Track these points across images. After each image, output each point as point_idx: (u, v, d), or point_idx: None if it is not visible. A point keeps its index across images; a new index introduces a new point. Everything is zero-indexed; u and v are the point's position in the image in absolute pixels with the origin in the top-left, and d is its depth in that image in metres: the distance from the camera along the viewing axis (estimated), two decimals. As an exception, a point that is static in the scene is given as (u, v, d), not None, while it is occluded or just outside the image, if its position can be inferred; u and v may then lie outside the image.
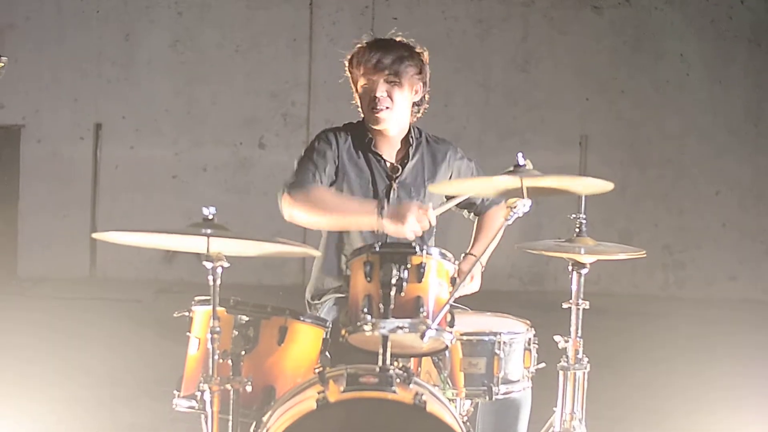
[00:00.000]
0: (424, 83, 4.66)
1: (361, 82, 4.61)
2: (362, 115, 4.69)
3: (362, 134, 4.67)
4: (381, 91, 4.53)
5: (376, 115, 4.55)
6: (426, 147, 4.75)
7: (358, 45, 4.72)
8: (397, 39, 4.69)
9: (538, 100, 11.43)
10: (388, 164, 4.65)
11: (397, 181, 4.63)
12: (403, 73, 4.56)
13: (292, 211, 4.44)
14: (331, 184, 4.58)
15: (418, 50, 4.66)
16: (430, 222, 4.16)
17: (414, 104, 4.66)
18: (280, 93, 11.25)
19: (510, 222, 3.69)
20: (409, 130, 4.70)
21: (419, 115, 4.71)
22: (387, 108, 4.55)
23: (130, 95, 11.18)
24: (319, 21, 11.32)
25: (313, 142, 4.69)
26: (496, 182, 3.82)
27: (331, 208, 4.40)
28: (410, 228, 4.20)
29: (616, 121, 11.43)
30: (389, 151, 4.69)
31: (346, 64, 4.76)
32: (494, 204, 4.84)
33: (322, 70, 11.29)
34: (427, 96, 4.69)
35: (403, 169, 4.65)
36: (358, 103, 4.70)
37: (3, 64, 4.69)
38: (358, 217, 4.32)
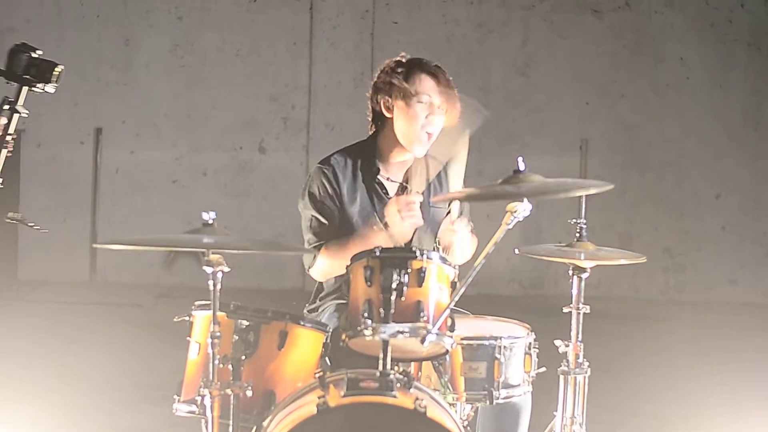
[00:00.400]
0: None
1: (423, 97, 4.51)
2: (371, 131, 4.64)
3: (370, 160, 4.63)
4: (439, 116, 4.52)
5: (423, 144, 4.53)
6: (429, 165, 4.72)
7: (414, 60, 4.60)
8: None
9: (538, 104, 11.42)
10: (396, 186, 4.63)
11: None
12: (454, 108, 4.57)
13: (321, 272, 4.55)
14: (344, 219, 4.57)
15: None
16: (419, 205, 4.19)
17: None
18: (280, 97, 11.25)
19: (511, 226, 3.68)
20: None
21: None
22: (434, 134, 4.54)
23: (129, 99, 11.18)
24: (319, 25, 11.32)
25: (311, 194, 4.62)
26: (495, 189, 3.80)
27: (346, 256, 4.37)
28: (406, 220, 4.23)
29: (616, 125, 11.43)
30: (397, 172, 4.66)
31: (390, 72, 4.58)
32: None
33: (322, 73, 11.29)
34: None
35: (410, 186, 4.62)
36: (387, 117, 4.59)
37: (59, 72, 4.73)
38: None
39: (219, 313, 3.60)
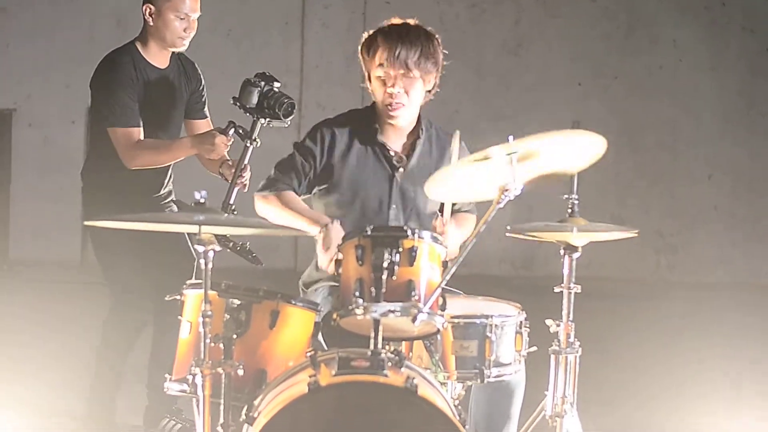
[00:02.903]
0: (438, 71, 4.61)
1: (377, 72, 4.48)
2: (374, 100, 4.62)
3: (368, 122, 4.61)
4: (398, 88, 4.44)
5: (391, 113, 4.50)
6: (436, 139, 4.70)
7: (375, 31, 4.56)
8: (413, 23, 4.58)
9: (531, 84, 11.42)
10: (393, 153, 4.62)
11: (400, 171, 4.60)
12: (422, 69, 4.49)
13: (259, 209, 4.61)
14: (326, 180, 4.57)
15: (434, 36, 4.59)
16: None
17: (426, 92, 4.61)
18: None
19: (502, 205, 3.69)
20: (419, 119, 4.66)
21: (430, 97, 4.64)
22: (402, 105, 4.49)
23: (122, 80, 11.15)
24: (311, 5, 11.30)
25: (303, 139, 4.65)
26: (488, 169, 3.78)
27: (284, 219, 4.47)
28: (322, 258, 4.26)
29: (609, 106, 11.42)
30: (397, 141, 4.64)
31: (360, 48, 4.59)
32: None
33: (314, 54, 11.27)
34: (437, 80, 4.64)
35: (408, 160, 4.62)
36: (370, 89, 4.59)
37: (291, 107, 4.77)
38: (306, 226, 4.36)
39: (210, 293, 3.60)
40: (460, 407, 3.69)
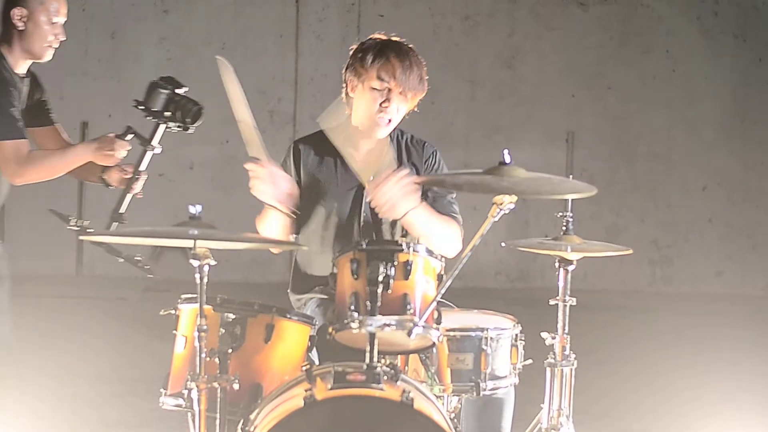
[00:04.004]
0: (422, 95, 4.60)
1: (375, 84, 4.41)
2: (348, 111, 4.60)
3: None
4: (394, 104, 4.41)
5: (381, 127, 4.48)
6: (407, 149, 4.69)
7: (380, 42, 4.52)
8: (398, 40, 4.57)
9: (525, 96, 11.44)
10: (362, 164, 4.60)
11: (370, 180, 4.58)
12: (418, 92, 4.48)
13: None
14: (304, 193, 4.56)
15: (423, 61, 4.58)
16: None
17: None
18: (266, 90, 11.24)
19: (497, 219, 3.68)
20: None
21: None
22: (391, 120, 4.48)
23: (116, 93, 11.15)
24: (305, 18, 11.31)
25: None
26: (481, 180, 3.78)
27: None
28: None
29: (602, 117, 11.45)
30: (366, 150, 4.62)
31: (356, 54, 4.53)
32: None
33: (308, 66, 11.28)
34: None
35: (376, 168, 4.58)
36: (354, 100, 4.57)
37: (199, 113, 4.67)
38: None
39: (205, 307, 3.59)
40: (456, 420, 3.69)
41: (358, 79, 4.48)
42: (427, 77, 4.53)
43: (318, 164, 4.59)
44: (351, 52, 4.57)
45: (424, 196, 4.40)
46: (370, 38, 4.55)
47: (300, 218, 4.57)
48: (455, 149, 10.90)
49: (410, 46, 4.53)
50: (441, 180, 4.32)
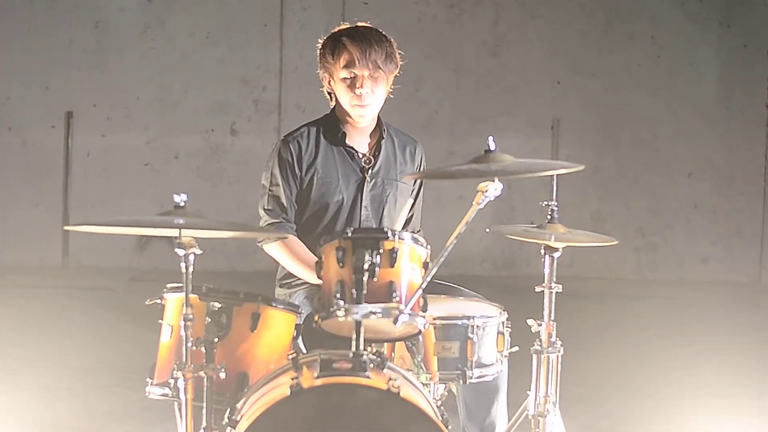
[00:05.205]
0: (396, 71, 4.66)
1: (343, 74, 4.55)
2: (332, 105, 4.69)
3: (334, 128, 4.69)
4: (366, 87, 4.52)
5: (360, 112, 4.56)
6: (394, 139, 4.78)
7: (337, 33, 4.64)
8: (370, 26, 4.65)
9: (510, 84, 11.43)
10: (361, 155, 4.68)
11: (370, 172, 4.66)
12: (388, 68, 4.55)
13: (271, 253, 4.69)
14: (304, 189, 4.60)
15: (391, 39, 4.65)
16: None
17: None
18: (251, 79, 11.22)
19: (482, 206, 3.69)
20: (379, 120, 4.72)
21: (389, 96, 4.70)
22: (370, 104, 4.55)
23: (101, 83, 11.12)
24: (289, 6, 11.29)
25: (271, 170, 4.64)
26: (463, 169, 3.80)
27: (300, 264, 4.55)
28: None
29: (587, 104, 11.45)
30: (361, 142, 4.72)
31: (320, 52, 4.68)
32: None
33: (293, 55, 11.26)
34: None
35: (376, 160, 4.68)
36: (333, 93, 4.65)
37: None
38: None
39: (191, 296, 3.60)
40: (442, 408, 3.69)
41: (329, 75, 4.64)
42: (397, 52, 4.64)
43: (316, 157, 4.64)
44: (317, 50, 4.68)
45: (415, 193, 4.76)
46: (332, 31, 4.66)
47: (300, 211, 4.64)
48: (440, 138, 10.90)
49: (368, 25, 4.63)
50: (435, 172, 4.39)
